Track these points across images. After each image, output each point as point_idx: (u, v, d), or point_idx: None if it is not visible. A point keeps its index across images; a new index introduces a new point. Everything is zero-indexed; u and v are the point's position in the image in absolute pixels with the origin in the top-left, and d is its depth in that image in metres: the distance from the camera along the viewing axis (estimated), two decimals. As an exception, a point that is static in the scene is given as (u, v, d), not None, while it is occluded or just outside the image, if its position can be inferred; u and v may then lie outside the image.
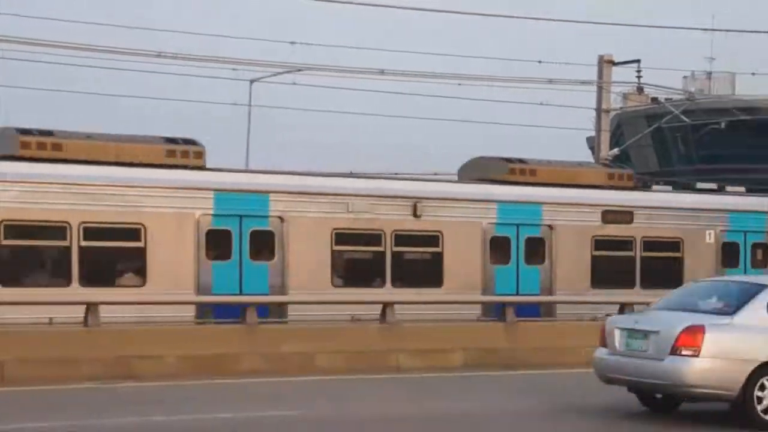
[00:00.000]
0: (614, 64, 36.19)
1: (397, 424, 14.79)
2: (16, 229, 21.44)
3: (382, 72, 30.00)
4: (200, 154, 23.29)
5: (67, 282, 21.52)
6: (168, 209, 22.35)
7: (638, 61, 36.31)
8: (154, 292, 21.87)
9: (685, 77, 50.71)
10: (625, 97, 46.22)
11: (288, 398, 16.95)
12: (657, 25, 30.39)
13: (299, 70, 32.31)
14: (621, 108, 46.17)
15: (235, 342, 20.36)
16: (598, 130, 36.83)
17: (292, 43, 32.47)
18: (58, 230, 21.55)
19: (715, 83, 50.49)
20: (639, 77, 36.95)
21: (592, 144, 39.43)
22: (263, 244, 23.38)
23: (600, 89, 36.14)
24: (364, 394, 17.94)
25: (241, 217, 23.00)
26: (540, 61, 34.24)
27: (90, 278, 21.69)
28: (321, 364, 20.55)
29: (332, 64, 30.11)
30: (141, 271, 22.23)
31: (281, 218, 23.30)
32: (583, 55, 37.58)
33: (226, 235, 22.98)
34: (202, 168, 23.23)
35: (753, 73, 40.21)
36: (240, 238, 23.05)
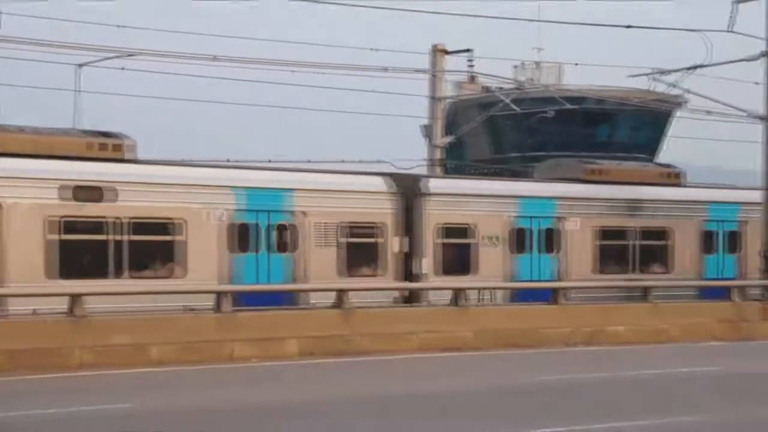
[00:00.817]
0: (447, 53, 36.65)
1: (227, 415, 14.58)
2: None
3: (214, 58, 29.51)
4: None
5: None
6: None
7: (470, 50, 36.88)
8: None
9: (515, 67, 51.90)
10: (458, 85, 46.92)
11: (118, 391, 16.52)
12: (488, 15, 31.23)
13: (131, 55, 31.41)
14: (455, 96, 46.84)
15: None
16: (433, 117, 37.26)
17: (119, 27, 31.54)
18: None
19: (544, 73, 51.89)
20: (471, 66, 37.56)
21: (428, 132, 39.85)
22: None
23: (434, 78, 36.56)
24: (196, 384, 17.67)
25: None
26: (374, 49, 34.30)
27: None
28: (153, 355, 20.14)
29: (163, 50, 29.30)
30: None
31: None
32: (417, 44, 37.92)
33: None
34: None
35: (576, 64, 41.36)
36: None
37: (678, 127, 50.18)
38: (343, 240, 26.33)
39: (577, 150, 49.94)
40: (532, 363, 21.64)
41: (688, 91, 33.12)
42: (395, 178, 28.32)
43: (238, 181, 25.39)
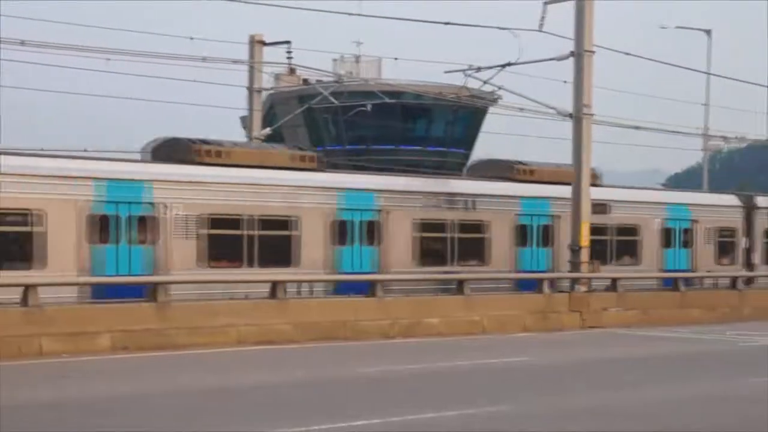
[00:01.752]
0: (265, 44, 36.41)
1: (19, 412, 14.05)
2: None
3: (22, 43, 28.32)
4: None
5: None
6: None
7: (288, 42, 36.71)
8: None
9: (334, 60, 52.07)
10: (277, 77, 46.68)
11: None
12: (307, 7, 31.08)
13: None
14: (273, 88, 46.58)
15: None
16: (251, 109, 36.96)
17: None
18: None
19: (363, 66, 52.24)
20: (290, 58, 37.38)
21: (246, 123, 39.51)
22: None
23: (252, 69, 36.26)
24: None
25: None
26: (192, 38, 33.67)
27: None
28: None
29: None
30: None
31: None
32: (235, 34, 37.51)
33: None
34: None
35: (396, 58, 41.73)
36: None
37: (492, 123, 51.45)
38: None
39: (396, 144, 50.59)
40: (350, 355, 21.76)
41: (501, 88, 33.96)
42: None
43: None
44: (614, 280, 31.48)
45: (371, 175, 32.42)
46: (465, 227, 31.73)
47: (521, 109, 33.91)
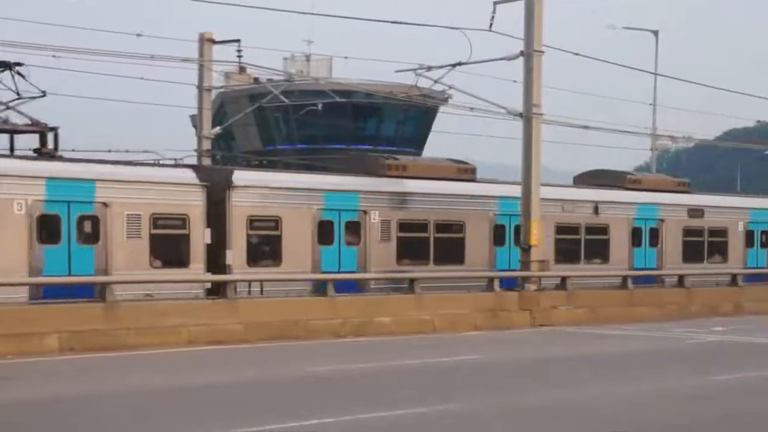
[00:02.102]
0: (215, 42, 36.21)
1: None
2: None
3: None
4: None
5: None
6: None
7: (238, 40, 36.52)
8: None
9: (285, 59, 51.90)
10: (227, 76, 46.41)
11: None
12: (257, 5, 30.84)
13: None
14: (224, 87, 46.32)
15: None
16: (201, 108, 36.74)
17: None
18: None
19: (313, 65, 52.14)
20: (240, 56, 37.20)
21: (196, 122, 39.26)
22: None
23: (202, 67, 36.04)
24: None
25: None
26: (139, 35, 33.37)
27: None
28: None
29: None
30: None
31: None
32: (184, 32, 37.15)
33: None
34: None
35: (346, 57, 41.69)
36: None
37: (444, 122, 51.60)
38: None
39: (347, 143, 50.53)
40: (301, 354, 21.71)
41: (452, 87, 34.03)
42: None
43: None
44: (563, 279, 31.71)
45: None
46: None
47: (472, 109, 34.00)
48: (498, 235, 32.60)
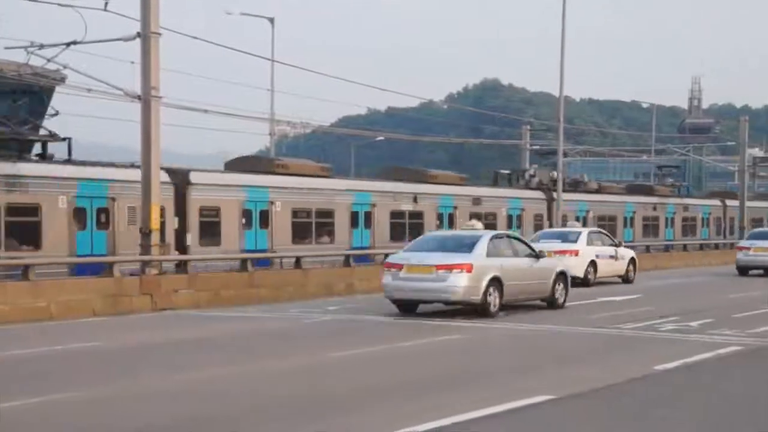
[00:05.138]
0: None
1: None
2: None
3: None
4: None
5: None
6: None
7: None
8: None
9: None
10: None
11: None
12: None
13: None
14: None
15: None
16: None
17: None
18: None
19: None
20: None
21: None
22: None
23: None
24: None
25: None
26: None
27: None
28: None
29: None
30: None
31: None
32: None
33: None
34: None
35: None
36: None
37: (63, 103, 49.81)
38: None
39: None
40: None
41: (66, 67, 32.94)
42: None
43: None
44: (184, 263, 31.77)
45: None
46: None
47: (89, 90, 33.16)
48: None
